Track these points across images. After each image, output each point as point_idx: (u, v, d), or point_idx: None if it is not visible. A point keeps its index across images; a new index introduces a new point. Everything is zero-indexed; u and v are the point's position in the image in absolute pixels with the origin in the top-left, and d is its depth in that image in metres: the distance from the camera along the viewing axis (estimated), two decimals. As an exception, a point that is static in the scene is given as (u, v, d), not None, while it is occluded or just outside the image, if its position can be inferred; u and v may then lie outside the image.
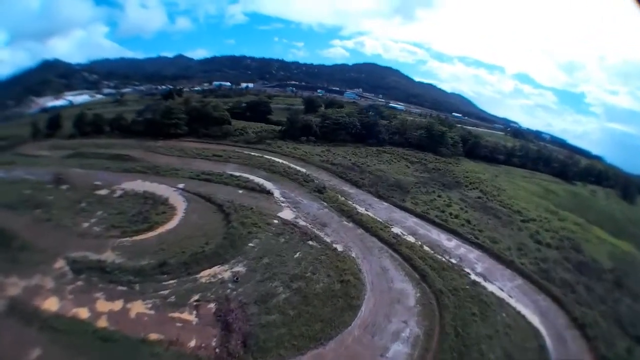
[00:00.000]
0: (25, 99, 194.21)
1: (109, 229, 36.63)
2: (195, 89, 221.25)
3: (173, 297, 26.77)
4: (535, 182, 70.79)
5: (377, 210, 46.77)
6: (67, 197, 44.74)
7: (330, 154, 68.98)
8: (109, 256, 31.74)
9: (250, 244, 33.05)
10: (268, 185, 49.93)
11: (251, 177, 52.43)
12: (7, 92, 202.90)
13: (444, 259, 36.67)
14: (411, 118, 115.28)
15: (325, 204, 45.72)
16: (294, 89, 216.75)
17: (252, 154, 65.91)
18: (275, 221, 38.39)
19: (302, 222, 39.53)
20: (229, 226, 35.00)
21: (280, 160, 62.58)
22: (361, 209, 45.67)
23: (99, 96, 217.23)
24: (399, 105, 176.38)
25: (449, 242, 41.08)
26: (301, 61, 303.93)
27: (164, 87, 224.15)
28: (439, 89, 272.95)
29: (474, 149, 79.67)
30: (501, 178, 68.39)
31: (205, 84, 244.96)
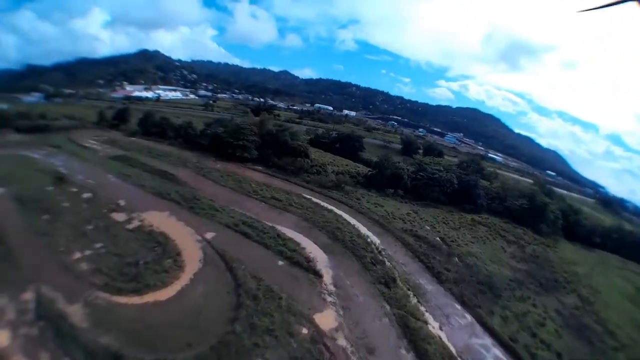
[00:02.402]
0: (114, 81, 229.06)
1: (95, 273, 34.55)
2: (294, 107, 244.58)
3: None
4: (628, 277, 67.21)
5: (454, 329, 37.17)
6: (80, 212, 46.56)
7: (417, 218, 64.02)
8: (76, 311, 29.37)
9: (247, 367, 26.21)
10: (321, 260, 43.25)
11: (304, 242, 46.65)
12: (99, 71, 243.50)
13: None
14: (514, 176, 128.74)
15: (387, 307, 37.05)
16: (396, 124, 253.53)
17: (322, 204, 62.06)
18: (304, 331, 30.63)
19: (341, 341, 31.11)
20: (232, 328, 28.81)
21: (353, 221, 56.76)
22: (433, 326, 36.30)
23: (192, 96, 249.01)
24: (498, 157, 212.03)
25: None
26: (406, 97, 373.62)
27: (261, 99, 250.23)
28: (536, 144, 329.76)
29: (573, 228, 79.97)
30: (596, 271, 65.08)
31: (307, 104, 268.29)
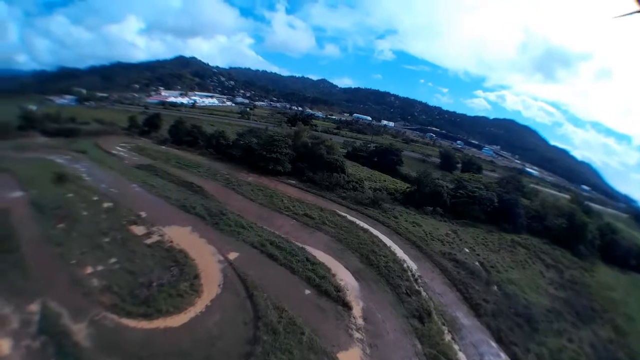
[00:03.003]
0: (150, 86, 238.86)
1: (105, 291, 34.07)
2: (332, 117, 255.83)
3: None
4: (662, 303, 65.63)
5: (487, 371, 34.59)
6: (98, 222, 47.02)
7: (457, 239, 62.99)
8: (80, 330, 29.19)
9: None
10: (352, 289, 41.20)
11: (335, 267, 44.77)
12: (135, 76, 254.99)
13: None
14: (551, 192, 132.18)
15: (419, 346, 34.64)
16: (434, 135, 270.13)
17: (357, 222, 60.67)
18: (325, 373, 28.88)
19: (363, 386, 28.97)
20: (246, 366, 27.43)
21: (389, 243, 54.81)
22: (466, 368, 33.60)
23: (229, 103, 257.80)
24: (534, 171, 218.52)
25: None
26: (444, 107, 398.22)
27: (299, 108, 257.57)
28: (571, 156, 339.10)
29: (610, 249, 78.73)
30: (632, 297, 63.60)
31: (346, 114, 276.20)
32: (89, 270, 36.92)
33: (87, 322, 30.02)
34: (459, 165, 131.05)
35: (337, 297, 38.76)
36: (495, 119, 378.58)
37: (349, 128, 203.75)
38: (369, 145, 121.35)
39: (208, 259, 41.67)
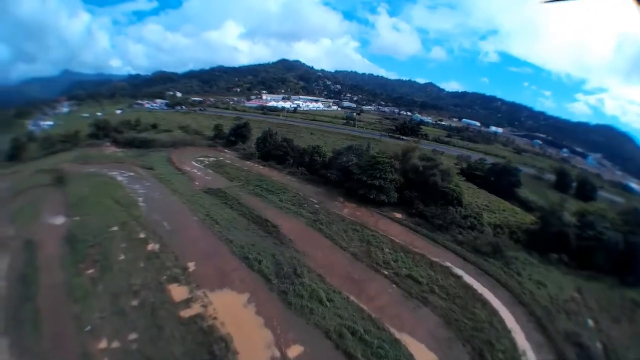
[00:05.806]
0: (252, 90, 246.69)
1: None
2: (442, 123, 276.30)
3: None
4: None
5: None
6: (133, 273, 41.89)
7: (582, 305, 50.94)
8: None
9: None
10: None
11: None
12: (235, 80, 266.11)
13: None
14: None
15: None
16: (540, 142, 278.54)
17: (474, 287, 47.67)
18: None
19: None
20: None
21: (511, 322, 41.74)
22: None
23: (334, 107, 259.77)
24: (635, 185, 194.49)
25: None
26: (548, 112, 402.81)
27: (408, 113, 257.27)
28: None
29: None
30: None
31: (454, 119, 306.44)
32: (102, 344, 31.70)
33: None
34: (574, 185, 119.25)
35: None
36: (596, 125, 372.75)
37: (460, 136, 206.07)
38: (484, 161, 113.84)
39: (258, 355, 31.34)
